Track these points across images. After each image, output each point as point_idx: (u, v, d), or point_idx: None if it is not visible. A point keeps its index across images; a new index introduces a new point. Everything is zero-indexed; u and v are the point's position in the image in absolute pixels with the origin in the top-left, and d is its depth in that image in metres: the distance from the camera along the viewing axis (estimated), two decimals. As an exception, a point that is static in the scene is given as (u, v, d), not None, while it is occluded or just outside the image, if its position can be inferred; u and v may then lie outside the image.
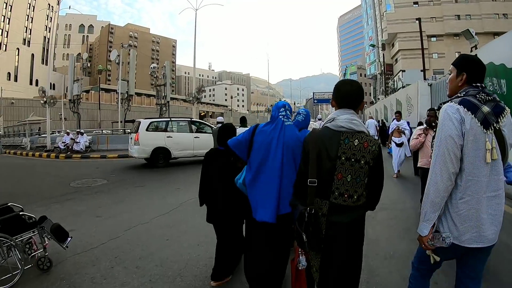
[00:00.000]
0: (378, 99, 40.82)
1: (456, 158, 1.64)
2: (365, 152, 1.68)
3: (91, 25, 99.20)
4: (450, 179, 1.64)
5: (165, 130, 11.10)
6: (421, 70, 32.47)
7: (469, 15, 41.82)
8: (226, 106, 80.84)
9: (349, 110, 1.78)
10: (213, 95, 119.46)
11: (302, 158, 1.86)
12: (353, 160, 1.68)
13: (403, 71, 37.00)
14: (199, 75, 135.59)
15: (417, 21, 43.19)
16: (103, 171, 10.42)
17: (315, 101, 55.62)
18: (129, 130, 24.09)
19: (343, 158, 1.69)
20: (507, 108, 1.70)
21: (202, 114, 62.69)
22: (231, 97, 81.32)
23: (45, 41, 68.01)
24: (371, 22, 58.92)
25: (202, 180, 3.05)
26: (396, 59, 48.37)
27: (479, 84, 1.73)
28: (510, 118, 1.71)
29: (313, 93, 57.22)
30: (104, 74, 78.61)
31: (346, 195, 1.69)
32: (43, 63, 67.15)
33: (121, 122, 24.18)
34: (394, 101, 22.99)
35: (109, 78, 79.95)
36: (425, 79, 19.06)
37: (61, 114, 33.38)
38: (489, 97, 1.68)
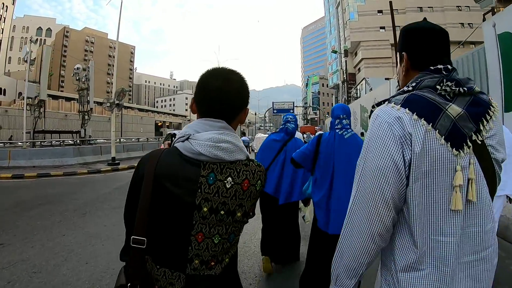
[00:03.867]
0: (341, 108, 39.59)
1: (387, 208, 0.88)
2: (244, 198, 0.97)
3: (49, 28, 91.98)
4: (373, 240, 0.93)
5: None
6: (386, 78, 31.35)
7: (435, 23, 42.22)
8: (185, 116, 77.27)
9: (217, 121, 0.99)
10: (174, 105, 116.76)
11: (129, 193, 1.01)
12: (222, 212, 0.95)
13: (367, 79, 35.91)
14: (160, 84, 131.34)
15: (381, 30, 42.99)
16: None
17: (275, 111, 54.02)
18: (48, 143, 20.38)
19: (205, 210, 0.94)
20: (493, 102, 0.94)
21: (159, 125, 58.62)
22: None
23: (-4, 42, 61.10)
24: (334, 31, 58.64)
25: None
26: (359, 68, 47.96)
27: (441, 66, 0.94)
28: (499, 119, 0.94)
29: (273, 102, 55.31)
30: (57, 80, 74.01)
31: (212, 262, 0.97)
32: (-5, 67, 60.28)
33: (27, 133, 19.90)
34: (358, 108, 20.99)
35: (62, 84, 74.91)
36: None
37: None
38: (462, 88, 0.90)
